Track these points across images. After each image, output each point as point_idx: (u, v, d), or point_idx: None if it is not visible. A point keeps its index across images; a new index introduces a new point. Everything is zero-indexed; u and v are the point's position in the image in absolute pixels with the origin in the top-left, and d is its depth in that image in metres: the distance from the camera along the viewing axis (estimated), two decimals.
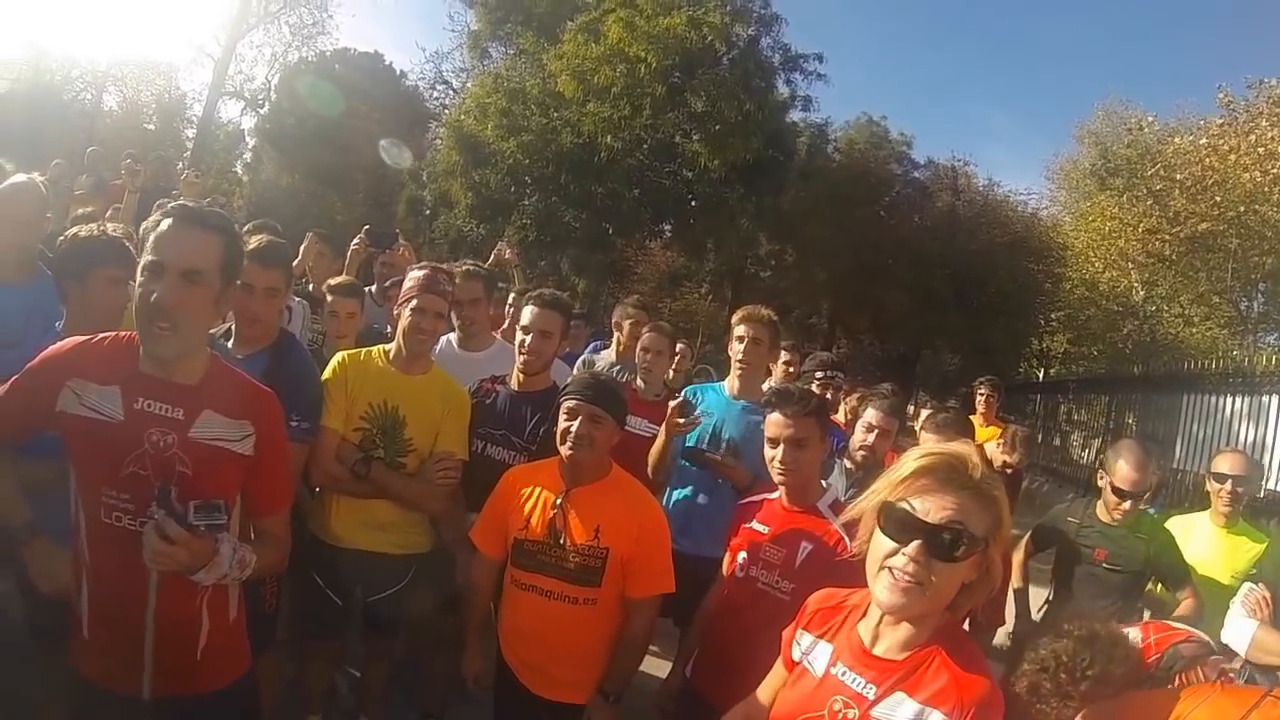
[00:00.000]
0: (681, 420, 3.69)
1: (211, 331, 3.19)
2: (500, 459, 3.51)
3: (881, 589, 1.71)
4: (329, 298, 4.42)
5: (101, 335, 2.14)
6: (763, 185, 20.38)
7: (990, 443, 6.08)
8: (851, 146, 26.09)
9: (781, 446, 2.96)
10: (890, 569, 1.69)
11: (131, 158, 7.39)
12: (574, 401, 2.95)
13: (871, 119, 26.95)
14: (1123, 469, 3.90)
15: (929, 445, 1.90)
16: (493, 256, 6.18)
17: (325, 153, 26.48)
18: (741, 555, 3.05)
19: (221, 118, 31.77)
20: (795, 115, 22.84)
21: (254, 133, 31.53)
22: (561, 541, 2.91)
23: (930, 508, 1.66)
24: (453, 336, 4.23)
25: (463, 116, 20.68)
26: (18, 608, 2.79)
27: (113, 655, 2.10)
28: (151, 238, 2.03)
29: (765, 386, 4.54)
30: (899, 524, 1.68)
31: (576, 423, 2.91)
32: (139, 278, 2.02)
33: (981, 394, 7.33)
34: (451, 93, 27.82)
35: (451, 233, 20.97)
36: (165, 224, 2.04)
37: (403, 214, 24.02)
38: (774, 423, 3.00)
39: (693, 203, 21.01)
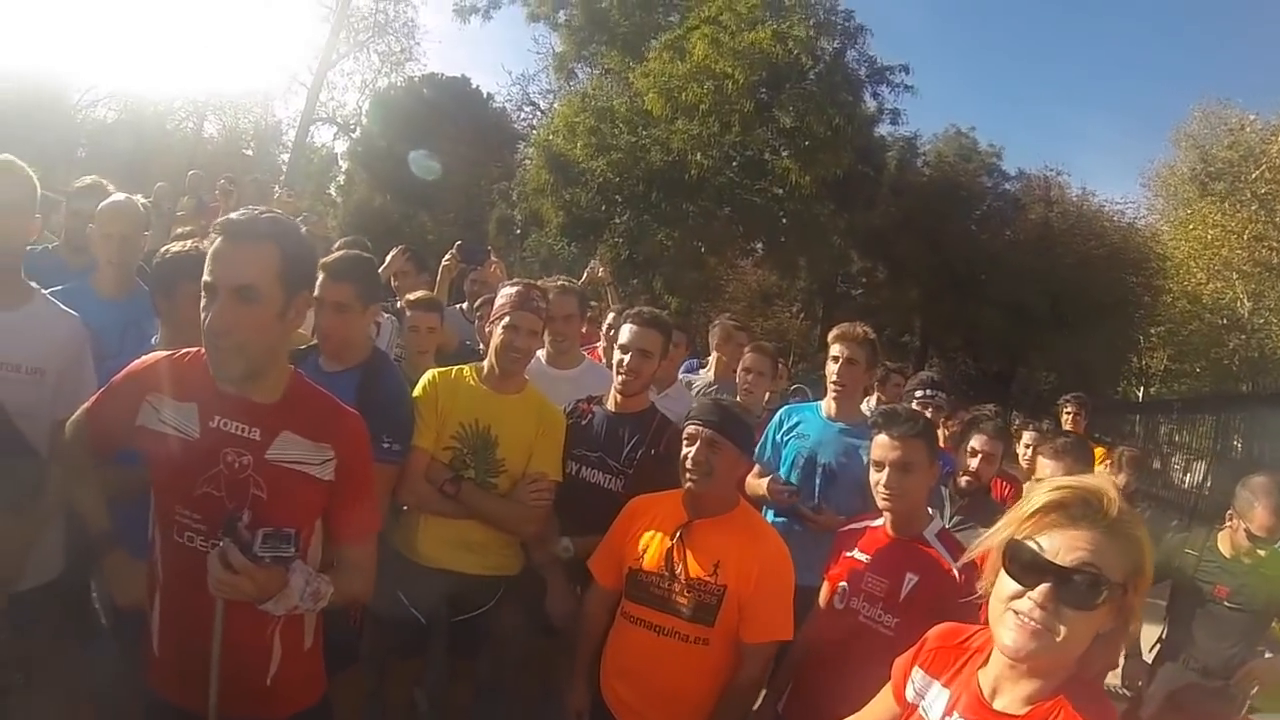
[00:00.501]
0: (784, 495, 3.63)
1: (302, 346, 3.26)
2: (595, 482, 3.42)
3: (1006, 630, 1.51)
4: (408, 312, 4.39)
5: (185, 351, 2.11)
6: (853, 201, 20.21)
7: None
8: (940, 159, 25.59)
9: (887, 470, 2.82)
10: (1015, 611, 1.50)
11: (226, 179, 7.64)
12: (694, 427, 2.82)
13: (960, 130, 26.42)
14: (1261, 514, 3.64)
15: (1059, 478, 1.70)
16: (586, 274, 6.14)
17: (416, 174, 26.97)
18: (841, 585, 2.93)
19: (315, 142, 33.12)
20: (883, 129, 22.64)
21: (346, 156, 32.54)
22: (677, 573, 2.78)
23: (1060, 547, 1.47)
24: (542, 353, 4.13)
25: (551, 136, 20.88)
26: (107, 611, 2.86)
27: (181, 675, 2.05)
28: (207, 257, 1.95)
29: (864, 407, 4.45)
30: (1025, 565, 1.50)
31: (695, 449, 2.78)
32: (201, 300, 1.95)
33: (1068, 413, 6.76)
34: (539, 114, 28.27)
35: (543, 251, 21.17)
36: (216, 242, 1.93)
37: (493, 233, 24.34)
38: (880, 445, 2.87)
39: (784, 220, 20.77)
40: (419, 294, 4.55)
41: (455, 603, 3.37)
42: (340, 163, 33.85)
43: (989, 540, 1.60)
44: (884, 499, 2.86)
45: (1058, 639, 1.47)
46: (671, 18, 22.15)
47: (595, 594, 3.07)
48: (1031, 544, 1.51)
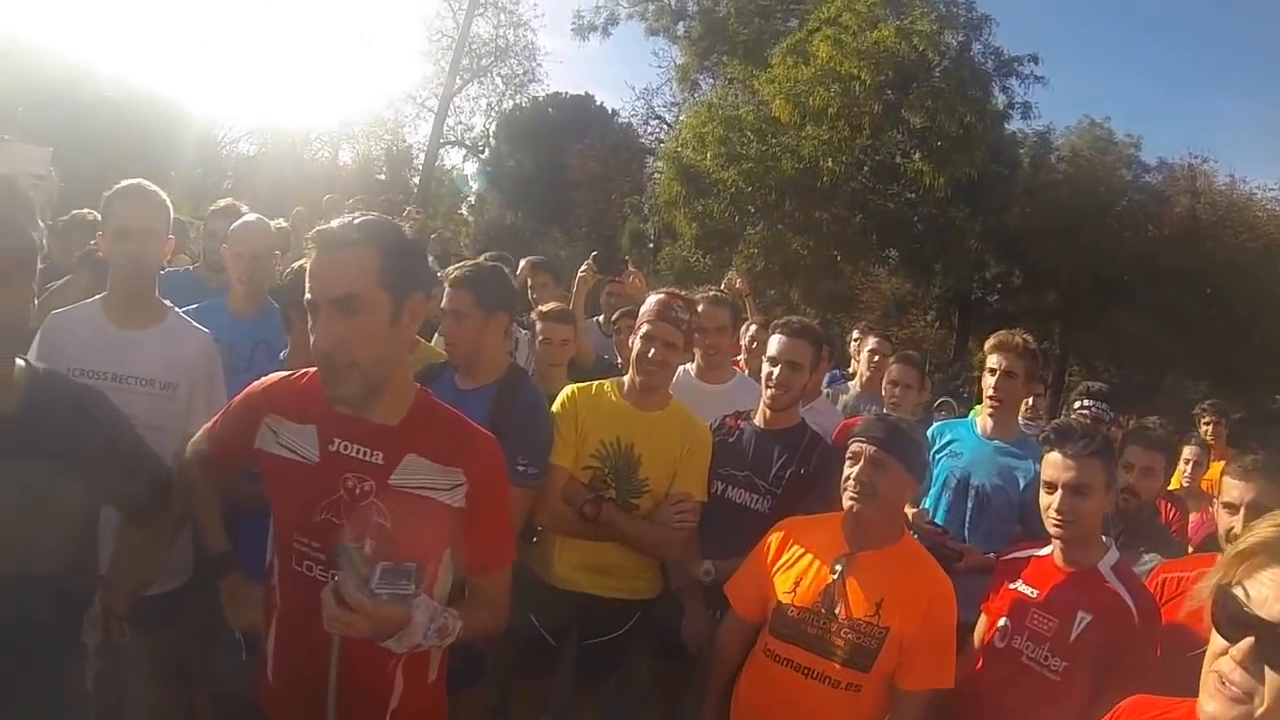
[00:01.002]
0: (930, 535, 3.34)
1: (440, 362, 3.17)
2: (741, 503, 3.22)
3: (1206, 696, 1.22)
4: (539, 324, 4.28)
5: (304, 370, 2.00)
6: (988, 202, 19.22)
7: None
8: (1076, 154, 23.83)
9: (1059, 493, 2.54)
10: (1218, 673, 1.20)
11: (356, 200, 7.83)
12: (859, 444, 2.59)
13: (1094, 121, 24.41)
14: None
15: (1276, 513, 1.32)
16: (724, 286, 5.97)
17: (545, 191, 27.75)
18: (1002, 622, 2.65)
19: (446, 165, 34.04)
20: (1015, 125, 21.45)
21: (476, 176, 33.74)
22: (836, 612, 2.52)
23: (1269, 596, 1.17)
24: (690, 366, 3.97)
25: (680, 147, 20.70)
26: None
27: (295, 703, 1.96)
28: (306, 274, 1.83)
29: (1023, 423, 4.13)
30: (1229, 616, 1.20)
31: (859, 467, 2.55)
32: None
33: (1206, 422, 6.02)
34: (665, 127, 28.37)
35: (677, 264, 20.98)
36: (312, 255, 1.80)
37: (627, 247, 24.49)
38: (1052, 464, 2.57)
39: (918, 225, 20.09)
40: (551, 305, 4.44)
41: (587, 625, 3.24)
42: (471, 183, 35.02)
43: (1204, 583, 1.28)
44: (1055, 525, 2.58)
45: (1257, 711, 1.15)
46: (790, 22, 21.83)
47: (731, 624, 2.85)
48: (1238, 591, 1.21)
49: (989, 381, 3.65)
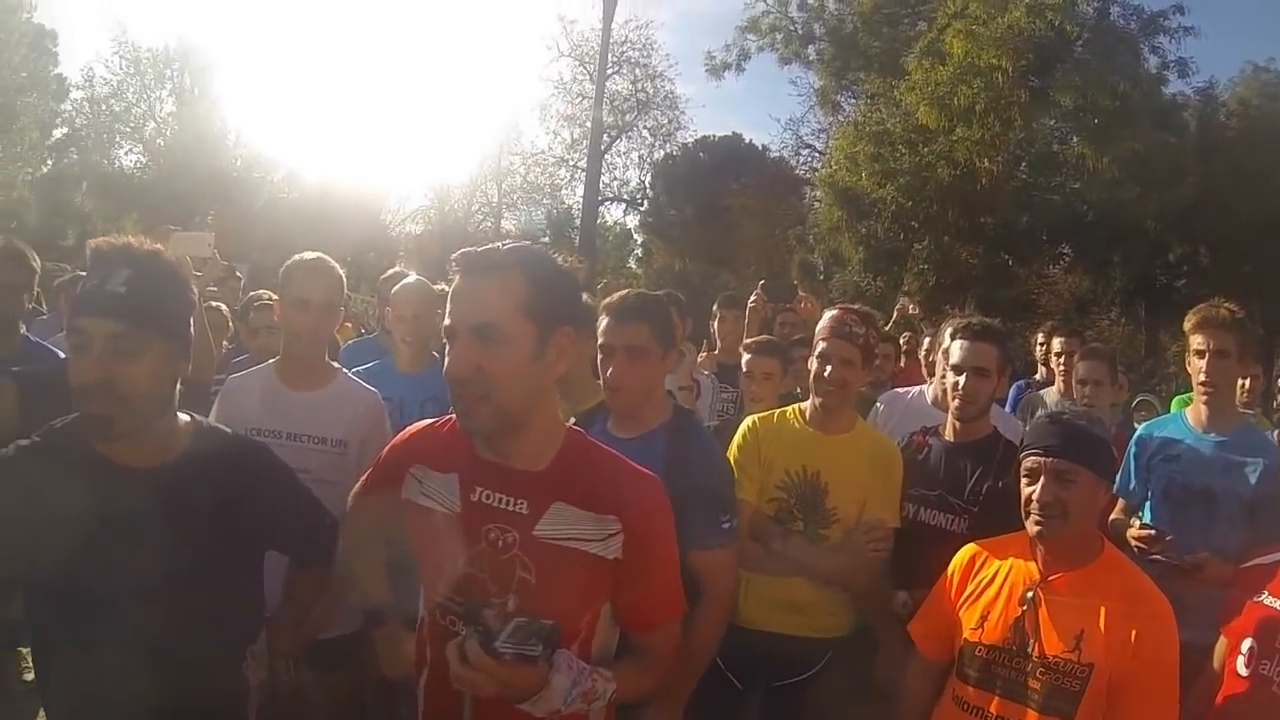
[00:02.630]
0: (1149, 549, 3.02)
1: (588, 408, 2.93)
2: (936, 524, 3.00)
3: None
4: (745, 357, 4.18)
5: (448, 418, 1.90)
6: (1159, 177, 17.49)
7: None
8: (1245, 106, 21.47)
9: None
10: None
11: None
12: (1033, 458, 2.26)
13: (1258, 66, 22.20)
14: None
15: None
16: (895, 313, 5.74)
17: (709, 235, 28.04)
18: (1247, 644, 2.29)
19: (608, 220, 35.28)
20: (1173, 86, 19.45)
21: (639, 229, 34.85)
22: (1029, 650, 2.20)
23: None
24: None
25: (834, 171, 20.35)
26: None
27: None
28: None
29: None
30: None
31: (1039, 486, 2.21)
32: None
33: None
34: (815, 154, 28.12)
35: (849, 290, 20.38)
36: (455, 280, 1.70)
37: (797, 278, 24.30)
38: None
39: (1088, 215, 18.85)
40: (759, 337, 4.37)
41: (776, 666, 3.02)
42: (635, 236, 36.17)
43: None
44: None
45: None
46: (919, 25, 21.16)
47: (917, 667, 2.57)
48: None
49: (1197, 365, 3.24)
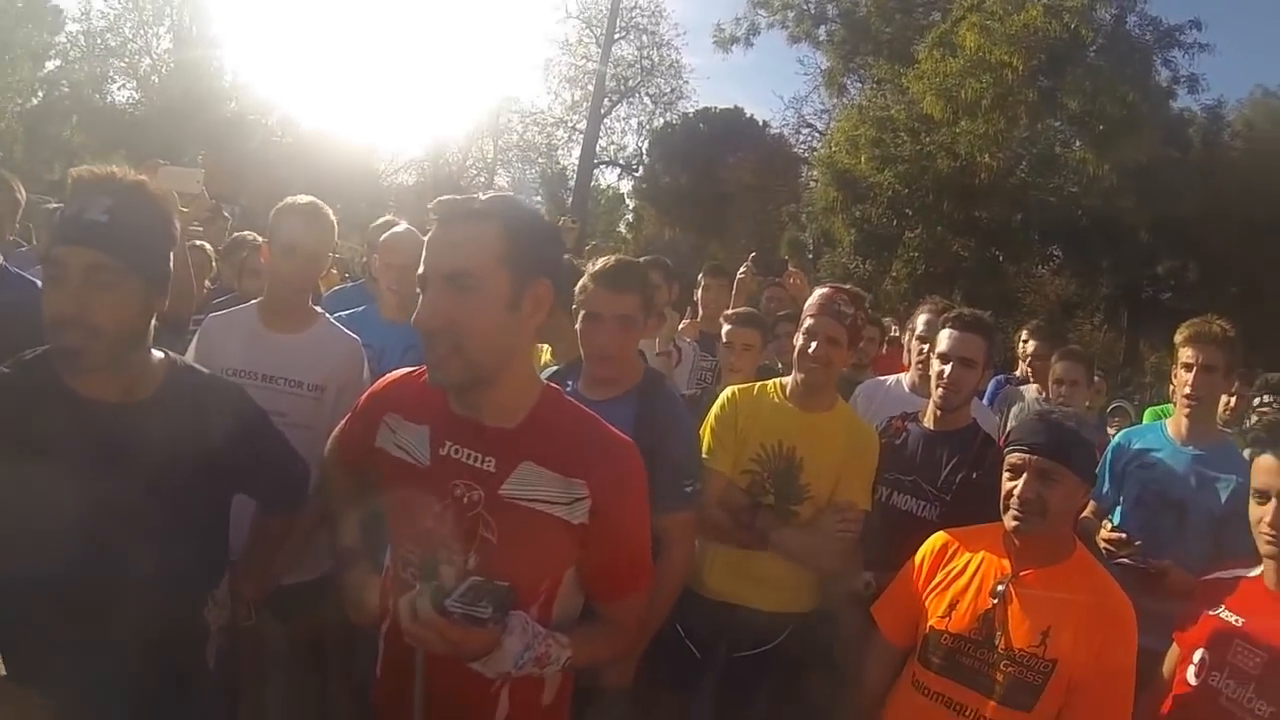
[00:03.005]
0: (1117, 551, 3.04)
1: (556, 368, 2.94)
2: (908, 509, 3.00)
3: None
4: (725, 327, 4.17)
5: (424, 367, 1.82)
6: (1158, 190, 17.57)
7: None
8: (1251, 129, 21.70)
9: (1274, 503, 2.16)
10: None
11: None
12: (1019, 454, 2.26)
13: (1268, 91, 22.55)
14: None
15: None
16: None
17: (702, 206, 27.95)
18: (1199, 654, 2.28)
19: (601, 184, 35.24)
20: (1181, 101, 19.63)
21: (632, 194, 34.67)
22: (996, 642, 2.22)
23: None
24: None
25: (834, 152, 20.31)
26: None
27: (398, 702, 1.83)
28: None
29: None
30: None
31: (1022, 483, 2.22)
32: None
33: None
34: (816, 134, 28.07)
35: (837, 271, 20.38)
36: (432, 228, 1.66)
37: (786, 255, 24.25)
38: (1265, 469, 2.20)
39: (1082, 220, 18.91)
40: (739, 309, 4.35)
41: (736, 638, 3.01)
42: (627, 201, 36.00)
43: None
44: (1269, 541, 2.19)
45: None
46: (933, 15, 21.00)
47: (878, 650, 2.56)
48: None
49: (1184, 378, 3.24)
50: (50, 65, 27.92)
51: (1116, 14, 18.49)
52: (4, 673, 1.91)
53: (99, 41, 28.82)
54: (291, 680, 3.36)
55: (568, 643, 1.71)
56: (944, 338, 3.08)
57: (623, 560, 1.81)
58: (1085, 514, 3.38)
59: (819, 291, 3.03)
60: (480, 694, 1.76)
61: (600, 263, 2.64)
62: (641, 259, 3.83)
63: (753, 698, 3.18)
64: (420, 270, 1.66)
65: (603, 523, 1.71)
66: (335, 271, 5.23)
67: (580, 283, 2.61)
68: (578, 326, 2.63)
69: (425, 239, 1.68)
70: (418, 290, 1.67)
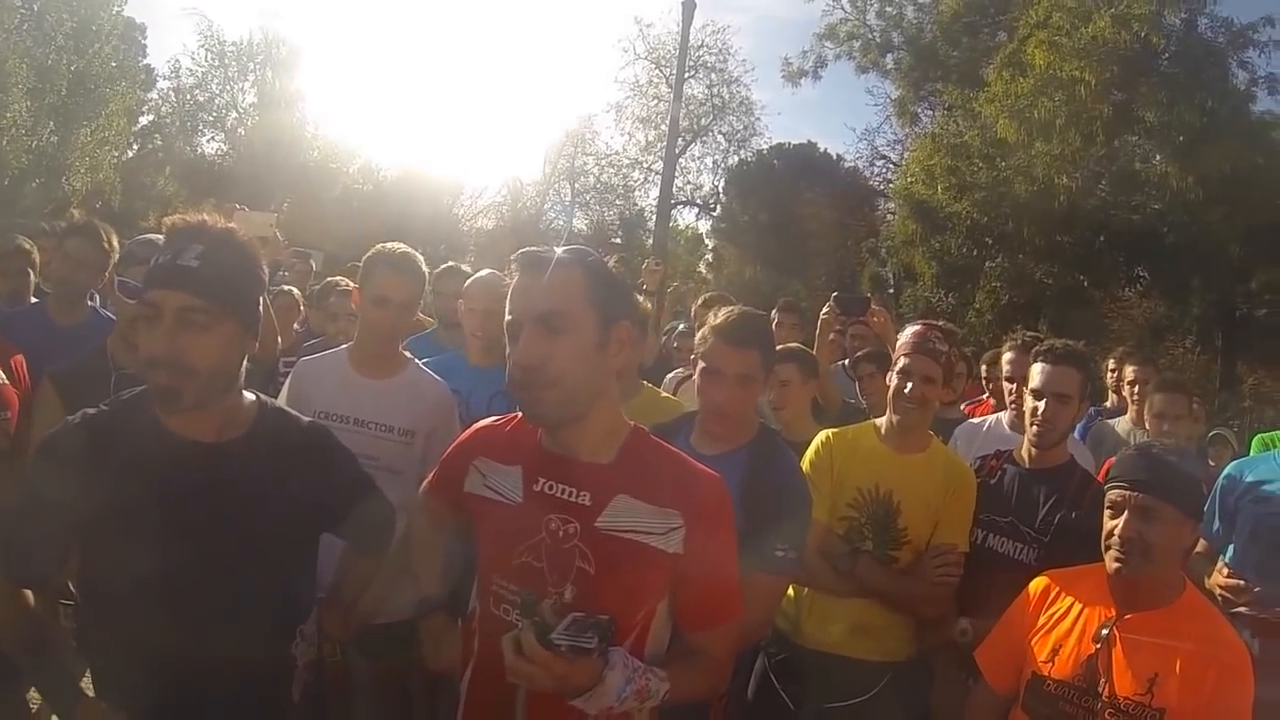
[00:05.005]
0: (1234, 600, 2.89)
1: (671, 421, 2.86)
2: (1004, 552, 2.90)
3: None
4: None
5: (513, 415, 1.94)
6: (1246, 200, 16.54)
7: None
8: None
9: None
10: None
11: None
12: (1119, 491, 2.17)
13: None
14: None
15: None
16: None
17: (781, 243, 27.87)
18: None
19: (680, 224, 35.11)
20: (1261, 105, 18.38)
21: (711, 234, 34.73)
22: (1099, 689, 2.12)
23: None
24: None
25: (910, 183, 20.06)
26: None
27: None
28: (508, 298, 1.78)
29: None
30: None
31: (1123, 522, 2.13)
32: None
33: None
34: (890, 166, 27.84)
35: (919, 305, 20.15)
36: (515, 278, 1.75)
37: (868, 291, 24.03)
38: None
39: (1168, 237, 18.16)
40: (789, 345, 4.20)
41: (832, 688, 2.91)
42: (706, 241, 36.01)
43: None
44: None
45: None
46: (999, 35, 20.59)
47: (980, 695, 2.48)
48: None
49: None
50: (144, 120, 29.35)
51: (1186, 18, 17.75)
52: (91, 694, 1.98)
53: (189, 97, 30.35)
54: (375, 718, 3.39)
55: (665, 675, 1.72)
56: (1036, 372, 2.97)
57: (716, 589, 1.83)
58: (1197, 552, 3.22)
59: (911, 329, 2.98)
60: None
61: (723, 315, 2.55)
62: (736, 310, 3.80)
63: None
64: (509, 318, 1.73)
65: (696, 552, 1.75)
66: (421, 318, 5.32)
67: (700, 333, 2.58)
68: (695, 378, 2.59)
69: (510, 286, 1.76)
70: (506, 335, 1.75)
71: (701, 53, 31.18)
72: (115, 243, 3.63)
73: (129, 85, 24.75)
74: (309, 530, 2.08)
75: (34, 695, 3.19)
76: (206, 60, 30.20)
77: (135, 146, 29.04)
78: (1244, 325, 20.57)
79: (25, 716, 3.21)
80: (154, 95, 29.76)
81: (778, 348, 4.01)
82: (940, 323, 3.05)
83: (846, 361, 5.10)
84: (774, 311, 5.37)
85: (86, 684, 2.03)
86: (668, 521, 1.75)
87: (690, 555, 1.75)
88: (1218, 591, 2.95)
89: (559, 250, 1.76)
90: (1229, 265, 17.77)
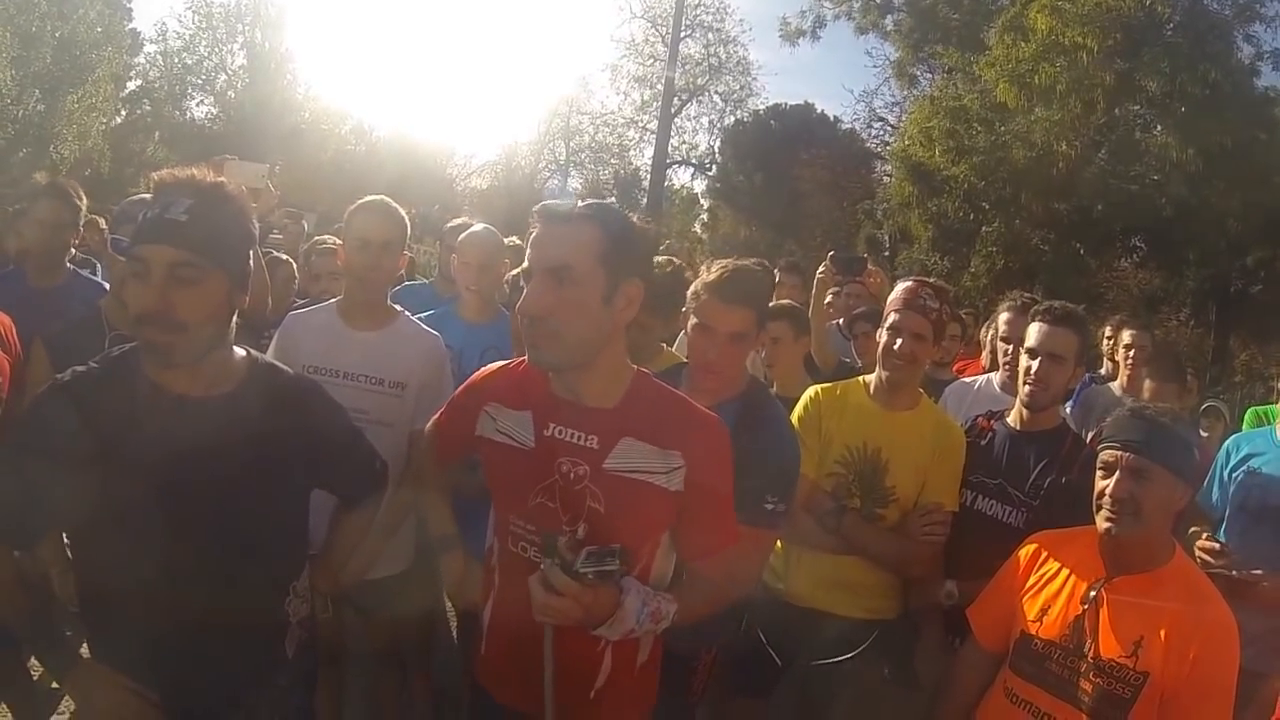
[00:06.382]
0: (1212, 563, 2.90)
1: (668, 368, 2.86)
2: (993, 515, 2.87)
3: None
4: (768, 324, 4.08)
5: (523, 359, 2.00)
6: (1246, 175, 16.43)
7: None
8: None
9: None
10: None
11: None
12: (1111, 450, 2.17)
13: None
14: None
15: None
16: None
17: (777, 204, 27.93)
18: None
19: (675, 184, 35.27)
20: (1266, 79, 18.29)
21: (706, 194, 34.80)
22: (1085, 650, 2.13)
23: None
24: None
25: (907, 145, 19.86)
26: None
27: (506, 676, 2.05)
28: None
29: None
30: None
31: (1114, 481, 2.12)
32: None
33: None
34: (888, 128, 27.71)
35: (915, 267, 19.82)
36: (535, 229, 1.83)
37: (862, 252, 23.80)
38: None
39: (1166, 208, 17.87)
40: (780, 303, 4.20)
41: (818, 645, 2.94)
42: (701, 201, 36.05)
43: None
44: None
45: None
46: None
47: (969, 653, 2.49)
48: None
49: None
50: (131, 85, 29.07)
51: None
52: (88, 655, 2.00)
53: (176, 61, 30.16)
54: (369, 675, 3.46)
55: (672, 598, 1.88)
56: (1033, 331, 2.94)
57: (714, 522, 1.96)
58: (1198, 525, 3.23)
59: (902, 286, 2.95)
60: (590, 654, 1.94)
61: (716, 271, 2.52)
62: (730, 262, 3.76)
63: (831, 705, 3.13)
64: (525, 265, 1.83)
65: (696, 489, 1.88)
66: (405, 274, 5.28)
67: (692, 288, 2.56)
68: (687, 332, 2.57)
69: (517, 243, 1.81)
70: (520, 284, 1.86)
71: (699, 11, 31.13)
72: (82, 198, 3.60)
73: (115, 50, 24.41)
74: (299, 485, 2.10)
75: (35, 664, 3.22)
76: (194, 22, 30.11)
77: (123, 112, 28.78)
78: (1238, 301, 20.53)
79: (27, 684, 3.22)
80: (141, 60, 29.53)
81: (770, 305, 4.02)
82: (931, 280, 3.02)
83: (841, 321, 5.10)
84: (776, 272, 5.27)
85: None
86: (669, 462, 1.86)
87: (691, 492, 1.88)
88: (1198, 556, 2.96)
89: (580, 204, 1.84)
90: (1226, 240, 17.71)
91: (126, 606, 1.84)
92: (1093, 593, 2.17)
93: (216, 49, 30.45)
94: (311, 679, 2.37)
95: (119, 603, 1.85)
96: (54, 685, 3.40)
